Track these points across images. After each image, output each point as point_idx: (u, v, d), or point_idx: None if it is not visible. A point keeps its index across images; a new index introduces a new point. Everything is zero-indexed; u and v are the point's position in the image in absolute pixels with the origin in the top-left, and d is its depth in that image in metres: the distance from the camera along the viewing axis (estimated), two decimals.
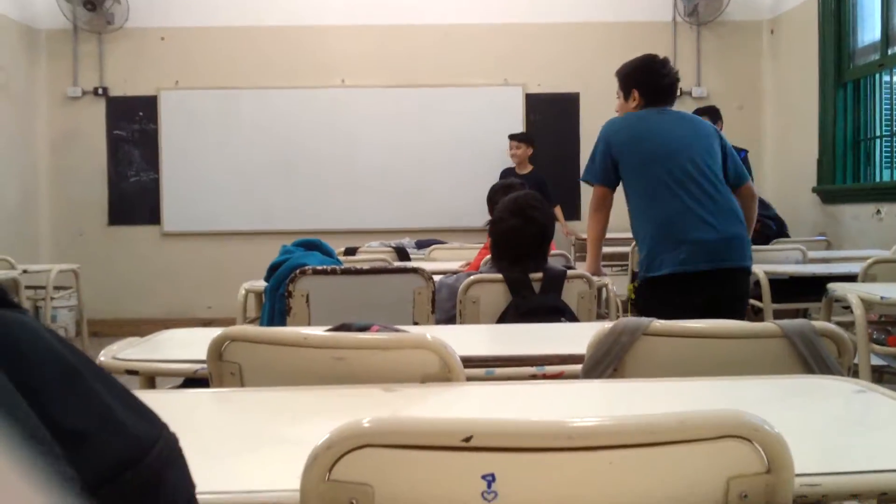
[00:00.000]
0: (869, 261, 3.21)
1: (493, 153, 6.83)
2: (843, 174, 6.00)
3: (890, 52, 5.46)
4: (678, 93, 3.23)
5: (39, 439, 0.45)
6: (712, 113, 5.19)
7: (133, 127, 7.09)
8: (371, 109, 7.10)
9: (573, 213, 7.15)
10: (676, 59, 7.09)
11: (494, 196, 3.53)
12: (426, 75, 7.12)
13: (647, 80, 3.16)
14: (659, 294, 2.95)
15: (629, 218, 3.15)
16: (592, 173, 3.19)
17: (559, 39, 7.14)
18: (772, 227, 4.93)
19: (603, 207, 3.23)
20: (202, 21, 7.06)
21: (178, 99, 7.07)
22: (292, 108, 7.09)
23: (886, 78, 5.69)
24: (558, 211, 6.56)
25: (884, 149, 5.78)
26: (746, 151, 5.58)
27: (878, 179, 5.76)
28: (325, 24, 7.10)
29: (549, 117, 7.17)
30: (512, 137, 6.61)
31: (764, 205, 4.82)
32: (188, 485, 0.58)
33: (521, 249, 2.47)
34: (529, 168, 6.57)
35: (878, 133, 5.79)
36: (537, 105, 7.17)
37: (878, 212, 5.39)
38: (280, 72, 7.08)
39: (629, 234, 3.21)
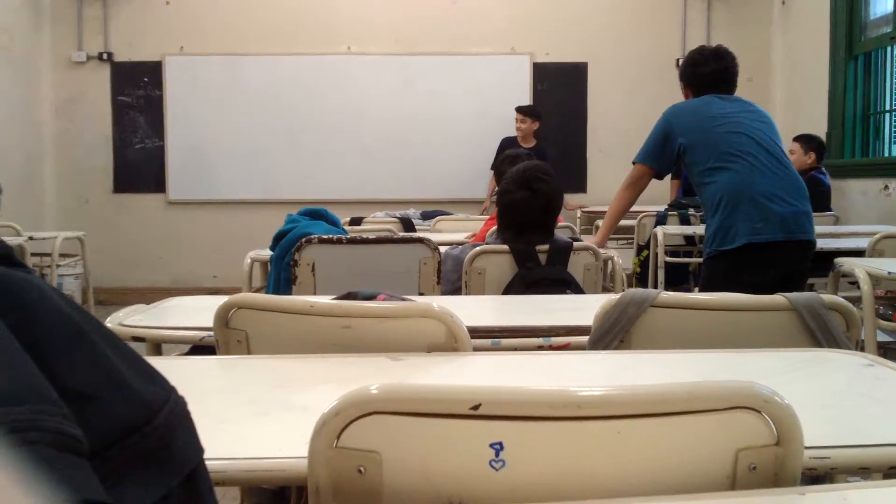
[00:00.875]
0: (876, 236, 3.20)
1: (500, 123, 6.78)
2: (852, 148, 5.96)
3: None
4: (734, 81, 3.23)
5: (47, 398, 0.45)
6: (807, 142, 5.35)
7: (138, 93, 7.06)
8: (377, 77, 7.06)
9: (580, 185, 7.12)
10: (686, 30, 7.03)
11: (501, 166, 3.50)
12: (433, 43, 7.06)
13: (690, 72, 3.24)
14: (728, 269, 2.94)
15: (699, 196, 3.17)
16: (641, 153, 3.23)
17: (568, 8, 7.06)
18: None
19: (634, 186, 3.27)
20: None
21: (184, 65, 7.02)
22: (298, 75, 7.04)
23: None
24: None
25: (893, 123, 5.73)
26: None
27: (886, 154, 5.72)
28: None
29: (557, 87, 7.11)
30: (519, 110, 6.53)
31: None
32: (197, 449, 0.58)
33: (528, 221, 2.46)
34: (533, 143, 6.47)
35: (888, 107, 5.74)
36: (545, 74, 7.11)
37: (886, 187, 5.36)
38: (286, 38, 7.03)
39: (636, 208, 3.20)
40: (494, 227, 2.68)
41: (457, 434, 0.73)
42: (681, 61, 3.35)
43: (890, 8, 5.51)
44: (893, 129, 5.72)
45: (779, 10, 7.03)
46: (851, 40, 5.91)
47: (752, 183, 2.92)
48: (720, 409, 0.75)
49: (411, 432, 0.74)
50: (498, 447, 0.73)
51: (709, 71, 3.17)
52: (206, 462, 0.60)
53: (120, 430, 0.51)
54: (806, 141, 5.35)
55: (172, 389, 0.57)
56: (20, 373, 0.45)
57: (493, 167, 5.17)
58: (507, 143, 6.34)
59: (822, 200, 5.18)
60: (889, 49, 5.64)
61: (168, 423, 0.54)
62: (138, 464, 0.51)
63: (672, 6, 7.07)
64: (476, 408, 0.71)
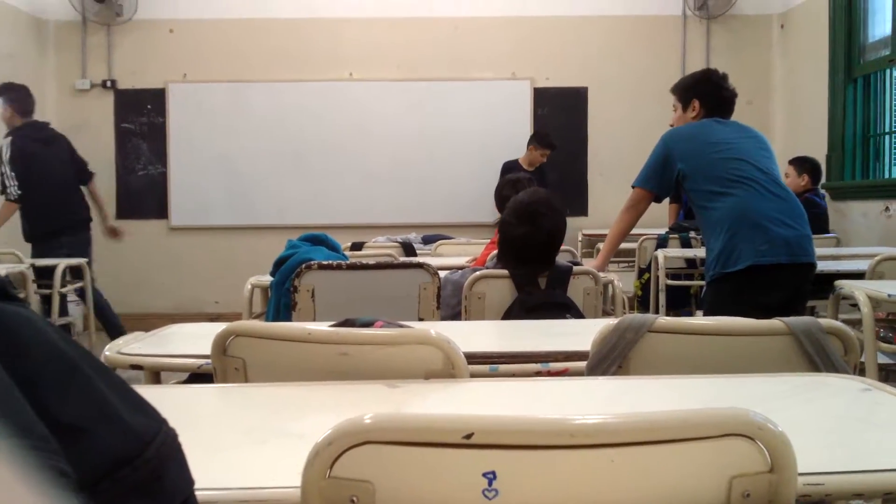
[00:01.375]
0: (877, 258, 3.20)
1: (501, 148, 6.80)
2: (852, 170, 5.97)
3: None
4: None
5: (36, 434, 0.45)
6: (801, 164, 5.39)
7: (141, 120, 7.10)
8: (379, 103, 7.09)
9: (581, 209, 7.14)
10: (686, 54, 7.08)
11: (503, 190, 3.51)
12: (434, 69, 7.10)
13: (710, 90, 3.24)
14: (731, 293, 2.94)
15: (699, 220, 3.19)
16: (640, 177, 3.24)
17: (568, 33, 7.12)
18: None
19: (634, 209, 3.28)
20: (210, 13, 7.06)
21: (187, 92, 7.07)
22: (300, 102, 7.08)
23: None
24: None
25: (893, 145, 5.74)
26: None
27: (887, 176, 5.73)
28: (333, 17, 7.09)
29: (558, 111, 7.15)
30: (548, 146, 6.47)
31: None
32: (187, 481, 0.58)
33: (529, 255, 2.44)
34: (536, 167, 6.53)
35: (887, 129, 5.76)
36: (545, 99, 7.15)
37: (887, 209, 5.36)
38: (288, 65, 7.08)
39: (636, 231, 3.21)
40: (495, 252, 2.68)
41: (450, 463, 0.73)
42: (689, 80, 3.34)
43: (888, 31, 5.54)
44: (893, 151, 5.74)
45: (778, 33, 7.08)
46: (850, 63, 5.94)
47: (754, 207, 2.93)
48: (714, 437, 0.75)
49: (404, 462, 0.74)
50: (491, 476, 0.73)
51: (728, 95, 3.22)
52: (199, 492, 0.60)
53: (111, 462, 0.51)
54: (800, 164, 5.37)
55: (164, 421, 0.57)
56: (8, 407, 0.45)
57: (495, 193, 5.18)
58: (510, 167, 6.35)
59: (818, 222, 5.18)
60: (888, 71, 5.67)
61: (159, 455, 0.55)
62: (130, 496, 0.51)
63: (671, 30, 7.13)
64: (469, 437, 0.72)
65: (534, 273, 2.42)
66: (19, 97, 5.26)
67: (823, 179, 6.09)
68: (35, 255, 5.10)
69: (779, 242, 2.88)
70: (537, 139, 6.55)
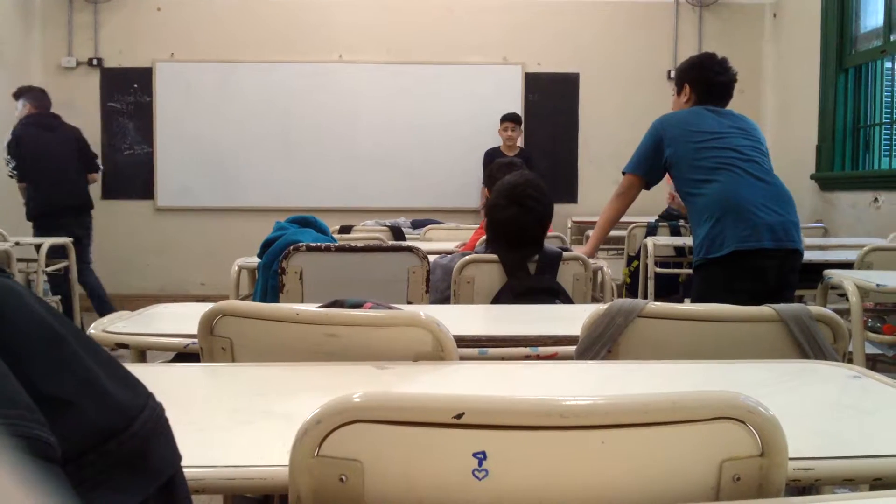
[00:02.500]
0: (865, 248, 3.21)
1: (492, 133, 6.79)
2: (842, 161, 5.99)
3: (892, 38, 5.43)
4: (732, 94, 3.24)
5: (20, 404, 0.44)
6: None
7: (128, 99, 7.04)
8: (369, 85, 7.06)
9: (571, 196, 7.13)
10: (678, 41, 7.07)
11: (497, 173, 3.49)
12: (425, 52, 7.07)
13: (701, 76, 3.21)
14: (717, 278, 2.95)
15: (686, 207, 3.17)
16: (630, 163, 3.23)
17: (560, 18, 7.09)
18: None
19: (625, 195, 3.26)
20: None
21: (174, 71, 7.01)
22: (289, 83, 7.04)
23: (888, 64, 5.66)
24: None
25: (883, 136, 5.76)
26: None
27: (876, 167, 5.75)
28: None
29: (548, 97, 7.13)
30: (511, 119, 6.50)
31: None
32: (174, 456, 0.58)
33: (517, 237, 2.44)
34: (517, 150, 6.52)
35: (878, 120, 5.77)
36: (536, 85, 7.13)
37: (876, 200, 5.39)
38: (277, 45, 7.03)
39: (626, 219, 3.20)
40: (484, 237, 2.68)
41: (440, 443, 0.73)
42: (685, 63, 3.32)
43: (880, 22, 5.55)
44: (883, 142, 5.76)
45: (770, 22, 7.08)
46: (842, 53, 5.95)
47: (738, 193, 2.92)
48: (705, 420, 0.75)
49: (394, 441, 0.73)
50: (481, 456, 0.72)
51: (723, 81, 3.18)
52: (186, 469, 0.59)
53: (97, 436, 0.50)
54: None
55: (150, 396, 0.57)
56: None
57: (485, 179, 5.17)
58: (492, 154, 6.34)
59: None
60: (879, 62, 5.68)
61: (145, 430, 0.54)
62: (115, 470, 0.51)
63: (664, 18, 7.11)
64: (459, 416, 0.71)
65: (523, 258, 2.42)
66: (35, 96, 5.57)
67: (813, 169, 6.12)
68: (35, 234, 5.35)
69: (762, 227, 2.88)
70: (500, 120, 6.57)
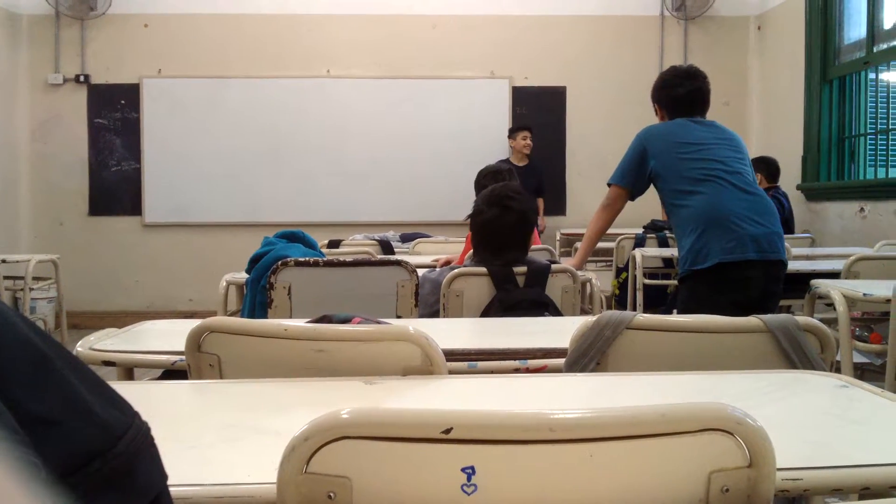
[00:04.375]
0: (852, 258, 3.23)
1: (480, 146, 6.81)
2: (828, 172, 6.03)
3: (876, 49, 5.48)
4: (708, 101, 3.24)
5: (4, 424, 0.44)
6: (764, 166, 5.41)
7: (115, 115, 7.03)
8: (357, 101, 7.07)
9: (559, 208, 7.15)
10: (664, 54, 7.11)
11: (483, 180, 3.50)
12: (413, 67, 7.09)
13: (663, 94, 3.24)
14: (702, 290, 2.96)
15: (669, 218, 3.19)
16: (615, 174, 3.24)
17: (547, 33, 7.13)
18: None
19: (611, 207, 3.28)
20: (186, 8, 7.00)
21: (161, 87, 7.01)
22: (277, 99, 7.04)
23: (872, 76, 5.71)
24: (539, 203, 6.61)
25: (868, 147, 5.81)
26: None
27: (862, 177, 5.79)
28: (311, 13, 7.06)
29: (536, 111, 7.16)
30: (528, 128, 6.64)
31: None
32: (160, 475, 0.57)
33: (502, 239, 2.46)
34: (527, 161, 6.62)
35: (862, 131, 5.82)
36: (524, 98, 7.16)
37: (862, 210, 5.42)
38: (265, 61, 7.04)
39: (614, 231, 3.21)
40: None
41: (428, 458, 0.72)
42: (654, 83, 3.34)
43: (864, 33, 5.61)
44: (868, 153, 5.80)
45: (755, 35, 7.14)
46: (826, 65, 6.00)
47: (722, 205, 2.94)
48: (693, 432, 0.75)
49: (382, 457, 0.73)
50: (470, 471, 0.72)
51: (684, 92, 3.18)
52: (173, 488, 0.59)
53: (83, 455, 0.50)
54: (755, 164, 5.38)
55: (136, 415, 0.56)
56: None
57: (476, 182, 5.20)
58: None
59: (784, 224, 5.25)
60: (863, 73, 5.74)
61: (131, 448, 0.54)
62: (101, 490, 0.51)
63: (649, 31, 7.16)
64: (448, 431, 0.71)
65: (511, 270, 2.42)
66: None
67: (799, 180, 6.16)
68: None
69: (746, 239, 2.90)
70: (509, 132, 6.73)
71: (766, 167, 5.44)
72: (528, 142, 6.60)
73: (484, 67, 7.13)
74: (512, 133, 6.70)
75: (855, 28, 5.82)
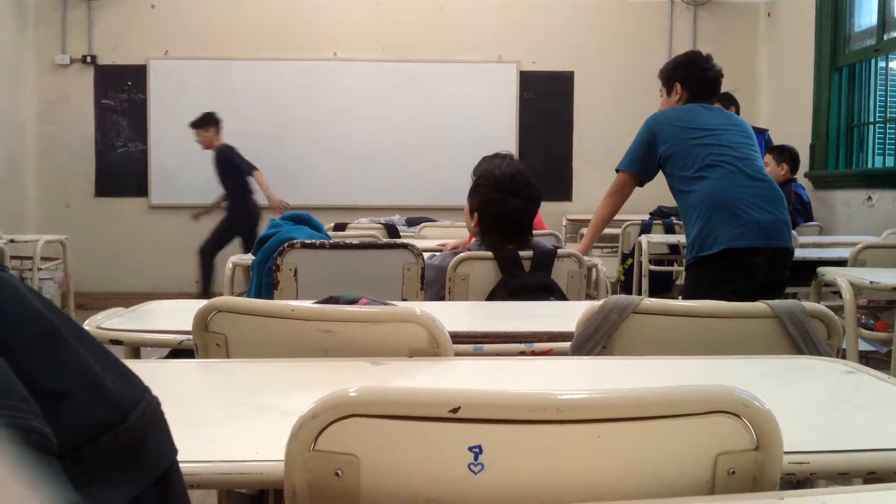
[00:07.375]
0: (859, 246, 3.22)
1: (486, 131, 6.79)
2: (836, 160, 6.01)
3: (886, 37, 5.44)
4: (720, 90, 3.26)
5: (16, 395, 0.44)
6: (726, 99, 5.21)
7: (121, 96, 7.02)
8: (363, 83, 7.05)
9: (566, 194, 7.14)
10: (672, 40, 7.08)
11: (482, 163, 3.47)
12: (419, 50, 7.06)
13: (691, 73, 3.21)
14: (708, 276, 2.95)
15: (678, 204, 3.17)
16: (624, 160, 3.23)
17: (555, 17, 7.09)
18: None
19: (619, 193, 3.27)
20: None
21: (168, 69, 6.99)
22: (283, 81, 7.02)
23: (882, 64, 5.68)
24: None
25: (877, 135, 5.78)
26: (767, 131, 5.64)
27: (870, 165, 5.76)
28: None
29: (544, 96, 7.13)
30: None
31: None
32: (170, 450, 0.57)
33: (519, 228, 2.45)
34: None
35: (871, 119, 5.79)
36: (531, 83, 7.13)
37: (870, 198, 5.40)
38: (271, 43, 7.02)
39: (620, 217, 3.20)
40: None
41: (436, 437, 0.73)
42: (672, 63, 3.32)
43: (874, 21, 5.56)
44: (877, 141, 5.77)
45: (764, 22, 7.09)
46: (836, 52, 5.96)
47: (729, 191, 2.93)
48: (700, 414, 0.75)
49: (390, 435, 0.73)
50: (477, 450, 0.72)
51: (712, 76, 3.19)
52: (181, 464, 0.59)
53: (92, 429, 0.50)
54: (779, 153, 5.34)
55: (146, 389, 0.56)
56: None
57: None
58: None
59: (806, 213, 5.23)
60: (873, 61, 5.70)
61: (141, 423, 0.54)
62: (110, 464, 0.51)
63: (658, 17, 7.12)
64: (455, 411, 0.71)
65: (517, 254, 2.42)
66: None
67: (807, 168, 6.13)
68: None
69: (753, 226, 2.89)
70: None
71: (791, 158, 5.37)
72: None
73: (491, 51, 7.10)
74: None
75: (865, 15, 5.78)
